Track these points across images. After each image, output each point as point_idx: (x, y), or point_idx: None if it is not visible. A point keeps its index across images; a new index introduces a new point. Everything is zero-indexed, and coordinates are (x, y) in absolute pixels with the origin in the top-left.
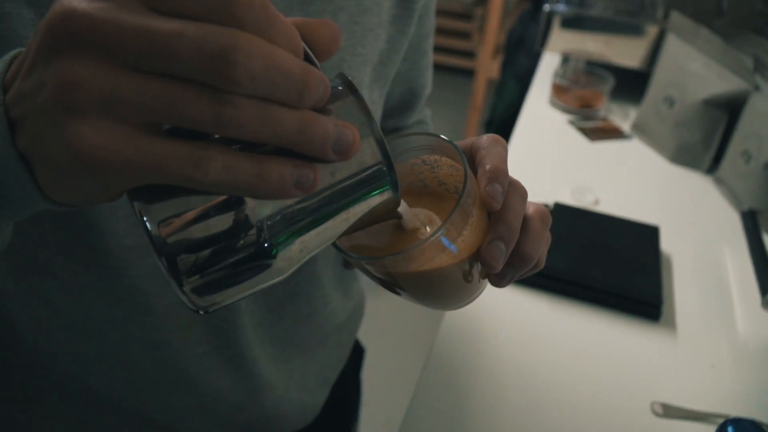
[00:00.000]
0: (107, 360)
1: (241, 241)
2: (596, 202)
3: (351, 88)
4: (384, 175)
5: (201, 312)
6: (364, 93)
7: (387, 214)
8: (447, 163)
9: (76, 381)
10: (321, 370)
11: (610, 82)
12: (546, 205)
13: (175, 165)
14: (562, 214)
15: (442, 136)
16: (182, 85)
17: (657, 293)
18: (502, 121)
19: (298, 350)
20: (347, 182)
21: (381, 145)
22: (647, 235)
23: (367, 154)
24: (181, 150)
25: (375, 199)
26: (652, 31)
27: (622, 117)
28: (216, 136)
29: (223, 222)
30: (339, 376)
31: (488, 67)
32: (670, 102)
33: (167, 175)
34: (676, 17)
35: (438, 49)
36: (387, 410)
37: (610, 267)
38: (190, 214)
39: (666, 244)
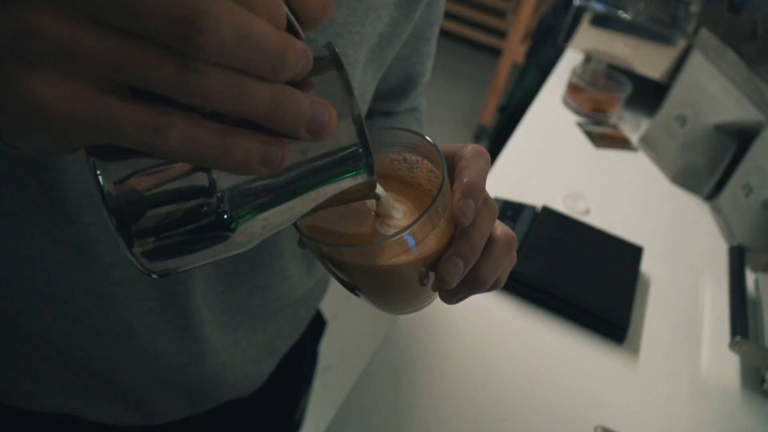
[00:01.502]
0: (50, 301)
1: (199, 210)
2: (587, 212)
3: (336, 62)
4: (359, 157)
5: (153, 276)
6: (357, 73)
7: (361, 196)
8: (427, 166)
9: (16, 315)
10: (271, 342)
11: (627, 90)
12: (533, 207)
13: (133, 129)
14: (547, 219)
15: (428, 138)
16: (145, 45)
17: (625, 316)
18: (517, 109)
19: (249, 320)
20: (319, 162)
21: (359, 125)
22: (630, 254)
23: (343, 135)
24: (141, 114)
25: (348, 182)
26: (682, 42)
27: (633, 127)
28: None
29: (181, 188)
30: (293, 348)
31: (516, 50)
32: (682, 121)
33: (123, 138)
34: (704, 35)
35: (470, 23)
36: (352, 376)
37: (583, 281)
38: (147, 177)
39: (648, 265)
